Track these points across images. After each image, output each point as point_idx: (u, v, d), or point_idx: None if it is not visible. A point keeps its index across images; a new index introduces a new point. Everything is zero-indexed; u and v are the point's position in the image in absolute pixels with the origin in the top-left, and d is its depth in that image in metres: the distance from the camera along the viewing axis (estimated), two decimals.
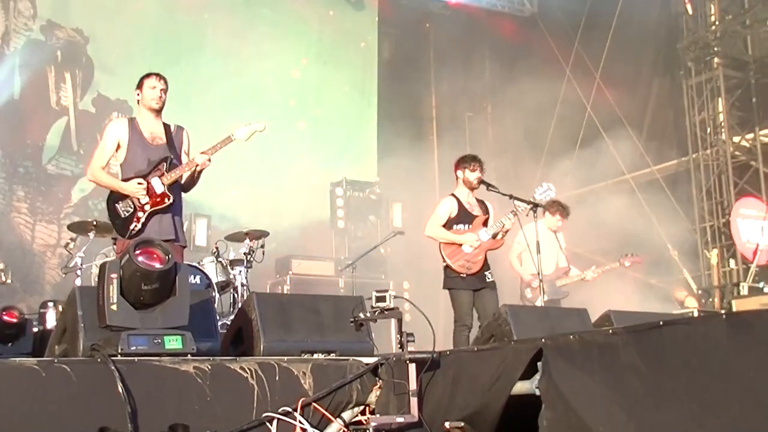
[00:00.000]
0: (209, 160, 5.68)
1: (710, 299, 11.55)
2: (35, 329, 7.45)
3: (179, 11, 12.24)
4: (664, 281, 11.57)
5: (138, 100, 5.82)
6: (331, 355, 5.10)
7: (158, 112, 5.80)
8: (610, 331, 4.05)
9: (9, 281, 8.02)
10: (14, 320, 7.14)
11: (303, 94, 13.32)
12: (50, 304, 7.70)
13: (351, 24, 13.94)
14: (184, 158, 5.87)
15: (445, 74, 14.02)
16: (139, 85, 5.79)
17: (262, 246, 8.56)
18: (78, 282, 7.55)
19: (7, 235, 10.37)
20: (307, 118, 13.22)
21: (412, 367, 4.57)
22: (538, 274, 6.88)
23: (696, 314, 7.99)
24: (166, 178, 5.63)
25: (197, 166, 5.70)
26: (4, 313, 7.14)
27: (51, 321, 7.36)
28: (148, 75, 5.80)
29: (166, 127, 5.85)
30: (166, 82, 5.80)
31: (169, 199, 5.63)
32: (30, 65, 11.12)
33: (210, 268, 8.11)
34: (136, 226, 5.55)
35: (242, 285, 8.28)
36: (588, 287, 8.64)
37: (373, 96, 13.78)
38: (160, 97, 5.74)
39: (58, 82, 11.35)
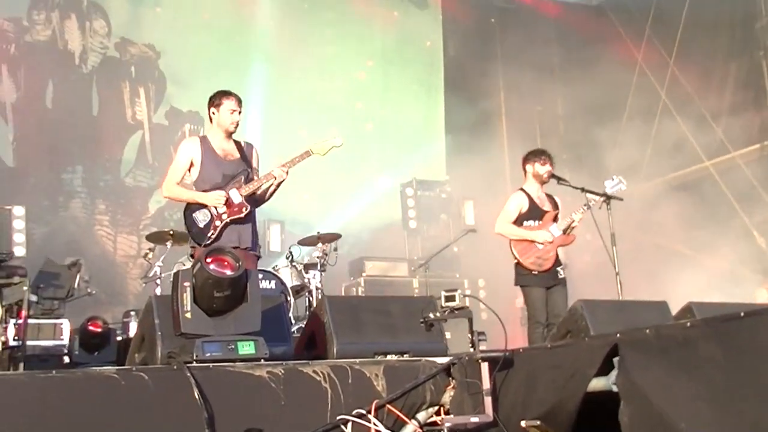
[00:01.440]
0: (287, 173, 5.80)
1: None
2: (119, 338, 7.73)
3: (245, 20, 12.47)
4: (750, 270, 11.18)
5: (212, 118, 5.92)
6: (404, 356, 5.10)
7: (230, 134, 5.93)
8: (688, 324, 3.92)
9: (94, 292, 8.28)
10: (99, 330, 7.44)
11: (369, 95, 13.42)
12: (132, 313, 7.99)
13: (415, 24, 13.96)
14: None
15: (513, 69, 13.86)
16: (217, 104, 5.88)
17: (335, 249, 8.64)
18: (158, 291, 7.79)
19: (92, 248, 10.72)
20: (374, 120, 13.29)
21: (484, 366, 4.53)
22: (615, 267, 6.74)
23: None
24: (243, 189, 5.79)
25: (275, 179, 5.82)
26: (89, 323, 7.43)
27: (133, 329, 7.60)
28: (227, 95, 5.89)
29: (237, 143, 5.99)
30: (241, 103, 5.93)
31: (246, 209, 5.78)
32: (106, 82, 11.54)
33: (285, 272, 8.23)
34: (213, 234, 5.69)
35: (317, 288, 8.36)
36: (675, 279, 8.39)
37: (440, 94, 13.77)
38: (236, 121, 5.89)
39: (132, 97, 11.73)
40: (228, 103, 5.86)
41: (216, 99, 5.91)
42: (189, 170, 5.88)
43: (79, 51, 11.40)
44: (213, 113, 5.90)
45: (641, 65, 12.58)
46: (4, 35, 10.85)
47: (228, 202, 5.73)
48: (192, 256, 5.92)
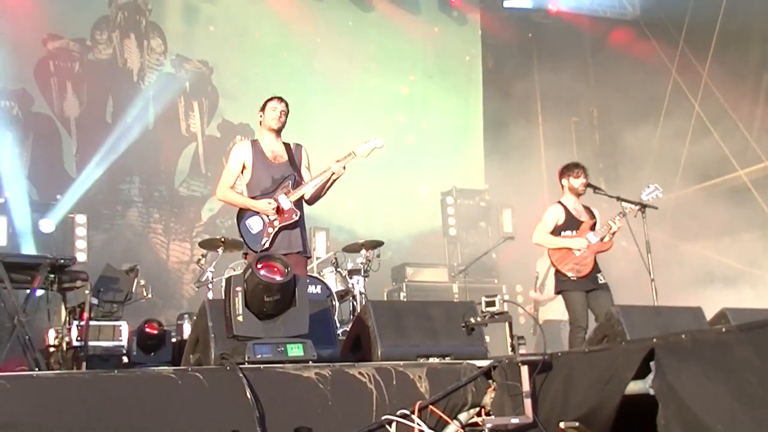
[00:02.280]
0: (344, 168, 5.97)
1: None
2: (173, 339, 7.96)
3: (293, 37, 12.80)
4: None
5: (260, 122, 6.14)
6: (446, 358, 5.20)
7: (278, 132, 6.11)
8: (723, 329, 4.00)
9: (149, 296, 8.54)
10: (155, 332, 7.65)
11: (411, 108, 13.68)
12: (186, 316, 8.22)
13: (455, 38, 14.20)
14: (305, 173, 6.17)
15: (550, 81, 13.96)
16: (262, 108, 6.14)
17: (378, 255, 8.79)
18: (209, 295, 8.00)
19: (147, 255, 11.10)
20: (415, 132, 13.52)
21: (524, 369, 4.61)
22: (650, 273, 6.80)
23: None
24: (292, 195, 5.95)
25: (333, 174, 5.97)
26: (146, 325, 7.65)
27: (187, 332, 7.83)
28: (271, 98, 6.14)
29: (286, 145, 6.16)
30: (287, 105, 6.12)
31: (296, 215, 5.94)
32: (162, 97, 11.96)
33: (330, 278, 8.40)
34: (266, 241, 5.86)
35: (360, 293, 8.51)
36: (709, 286, 8.39)
37: (479, 105, 13.95)
38: (280, 117, 6.06)
39: (187, 110, 12.13)
40: (271, 103, 6.09)
41: (263, 105, 6.16)
42: (242, 173, 6.06)
43: (138, 68, 11.89)
44: (260, 117, 6.13)
45: (675, 77, 12.58)
46: (69, 55, 11.37)
47: (278, 209, 5.89)
48: (245, 256, 6.10)
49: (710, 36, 11.98)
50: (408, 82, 13.75)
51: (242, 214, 5.98)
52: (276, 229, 5.89)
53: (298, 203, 6.02)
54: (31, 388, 3.82)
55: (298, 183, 6.02)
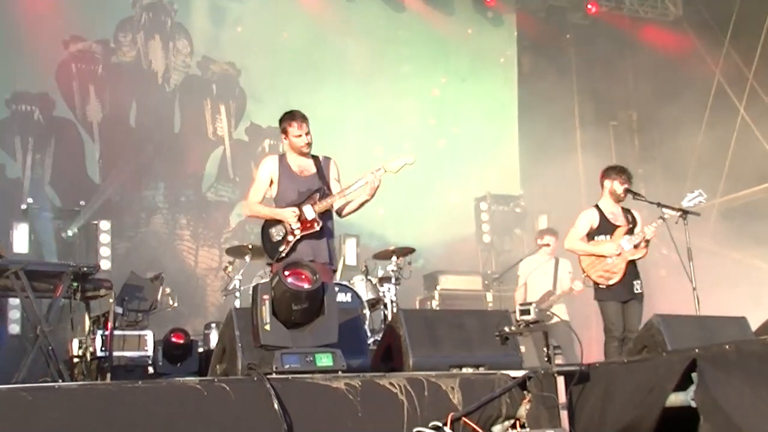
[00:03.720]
0: (380, 180, 5.89)
1: None
2: (200, 349, 7.90)
3: (323, 38, 12.67)
4: None
5: (283, 141, 6.12)
6: (479, 369, 5.10)
7: (305, 154, 6.07)
8: None
9: (176, 305, 8.51)
10: (181, 341, 7.61)
11: (443, 112, 13.49)
12: (213, 325, 8.16)
13: (489, 40, 14.00)
14: (334, 185, 6.11)
15: (588, 84, 13.78)
16: (284, 129, 6.07)
17: (410, 263, 8.69)
18: (237, 303, 7.95)
19: (172, 263, 11.02)
20: (447, 136, 13.36)
21: (560, 380, 4.52)
22: (692, 282, 6.61)
23: None
24: (317, 206, 5.90)
25: (367, 183, 5.89)
26: (172, 335, 7.61)
27: (214, 341, 7.77)
28: (289, 121, 6.03)
29: (315, 158, 6.12)
30: (307, 122, 6.03)
31: (318, 225, 5.88)
32: (188, 99, 11.91)
33: (360, 286, 8.28)
34: (285, 249, 5.84)
35: (391, 302, 8.39)
36: (754, 295, 8.15)
37: (514, 109, 13.74)
38: (308, 142, 6.02)
39: (213, 113, 12.06)
40: (293, 129, 6.01)
41: (283, 123, 6.09)
42: (269, 187, 6.06)
43: (162, 70, 11.80)
44: (284, 139, 6.10)
45: (719, 79, 12.31)
46: (92, 57, 11.30)
47: (301, 218, 5.86)
48: (271, 270, 6.05)
49: (757, 37, 11.70)
50: (440, 85, 13.58)
51: (267, 222, 6.00)
52: (296, 238, 5.86)
53: (325, 215, 5.97)
54: (53, 400, 3.78)
55: (326, 195, 5.98)
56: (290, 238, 5.85)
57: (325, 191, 6.00)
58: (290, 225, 5.86)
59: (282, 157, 6.12)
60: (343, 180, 6.18)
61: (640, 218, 7.10)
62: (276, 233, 5.91)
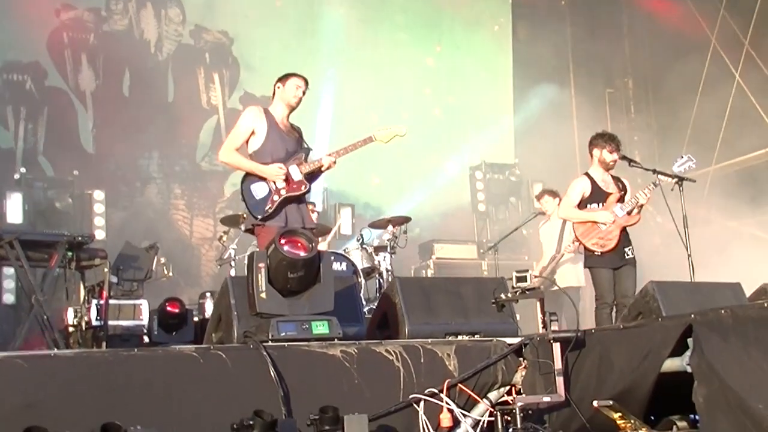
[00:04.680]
0: (335, 162, 5.79)
1: None
2: (195, 318, 7.91)
3: (318, 6, 12.61)
4: None
5: (276, 92, 5.90)
6: (475, 336, 5.11)
7: (292, 109, 5.94)
8: (766, 304, 3.85)
9: (171, 274, 8.49)
10: (177, 311, 7.60)
11: (437, 81, 13.41)
12: (208, 294, 8.14)
13: (484, 8, 13.92)
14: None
15: (583, 51, 13.68)
16: (283, 80, 5.89)
17: (405, 232, 8.64)
18: (232, 272, 7.94)
19: (168, 232, 10.99)
20: (442, 105, 13.30)
21: (556, 347, 4.54)
22: (687, 249, 6.61)
23: None
24: (304, 167, 5.74)
25: (322, 166, 5.80)
26: (167, 304, 7.60)
27: (209, 310, 7.77)
28: (296, 74, 5.92)
29: (292, 124, 5.97)
30: (308, 86, 5.92)
31: (305, 187, 5.73)
32: (181, 69, 11.83)
33: (355, 255, 8.26)
34: (270, 208, 5.60)
35: (387, 270, 8.38)
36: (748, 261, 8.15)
37: (508, 77, 13.69)
38: (300, 97, 5.87)
39: (207, 82, 11.99)
40: (295, 80, 5.86)
41: (284, 77, 5.92)
42: (247, 140, 5.80)
43: (155, 39, 11.71)
44: (278, 87, 5.88)
45: (715, 45, 12.22)
46: (84, 25, 11.19)
47: (287, 178, 5.69)
48: (250, 231, 5.84)
49: (753, 2, 11.58)
50: (434, 54, 13.51)
51: (248, 177, 5.74)
52: (282, 198, 5.64)
53: (308, 178, 5.82)
54: (50, 367, 3.80)
55: (308, 159, 5.85)
56: (275, 197, 5.62)
57: (308, 154, 5.85)
58: (275, 184, 5.66)
59: (268, 112, 5.86)
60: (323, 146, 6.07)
61: (629, 185, 7.08)
62: (259, 190, 5.66)
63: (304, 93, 5.88)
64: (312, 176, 5.86)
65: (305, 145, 5.92)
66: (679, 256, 6.83)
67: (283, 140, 5.79)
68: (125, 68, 11.37)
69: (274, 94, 5.92)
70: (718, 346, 3.85)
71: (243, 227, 6.26)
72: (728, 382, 3.72)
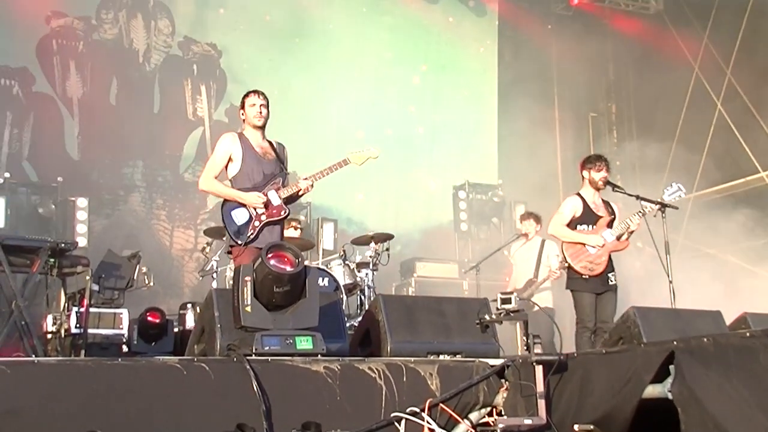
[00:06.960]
0: (312, 186, 5.83)
1: None
2: (176, 329, 7.84)
3: (305, 22, 12.63)
4: None
5: (243, 119, 5.94)
6: (457, 356, 5.12)
7: (262, 128, 5.92)
8: (747, 333, 3.89)
9: (151, 284, 8.41)
10: (157, 321, 7.53)
11: (422, 99, 13.50)
12: (189, 305, 8.07)
13: (470, 29, 14.06)
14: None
15: (568, 75, 13.84)
16: (242, 104, 5.93)
17: (387, 249, 8.64)
18: (214, 284, 7.89)
19: (149, 242, 10.97)
20: (425, 124, 13.40)
21: (539, 369, 4.56)
22: (668, 275, 6.67)
23: None
24: (282, 192, 5.79)
25: (300, 190, 5.84)
26: (148, 314, 7.54)
27: (190, 321, 7.71)
28: (249, 93, 5.94)
29: (271, 143, 5.97)
30: (266, 98, 5.90)
31: (284, 212, 5.79)
32: (168, 80, 11.84)
33: (338, 270, 8.24)
34: (252, 234, 5.65)
35: (369, 287, 8.38)
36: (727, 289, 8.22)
37: (493, 99, 13.81)
38: (261, 112, 5.83)
39: (194, 94, 12.00)
40: (250, 99, 5.87)
41: (242, 100, 5.95)
42: (226, 166, 5.84)
43: (144, 49, 11.73)
44: (242, 114, 5.92)
45: (698, 74, 12.39)
46: (73, 33, 11.19)
47: (267, 204, 5.73)
48: (229, 253, 5.89)
49: (736, 33, 11.76)
50: (420, 72, 13.60)
51: (227, 203, 5.79)
52: (262, 223, 5.71)
53: (287, 201, 5.86)
54: (32, 374, 3.76)
55: (286, 182, 5.89)
56: (256, 223, 5.68)
57: (285, 178, 5.89)
58: (255, 210, 5.71)
59: (242, 136, 5.89)
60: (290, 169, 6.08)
61: (618, 210, 7.12)
62: (240, 216, 5.71)
63: (263, 107, 5.87)
64: (290, 200, 5.91)
65: (283, 167, 5.94)
66: (660, 281, 6.89)
67: (260, 163, 5.82)
68: (113, 77, 11.40)
69: (243, 121, 5.94)
70: (699, 373, 3.87)
71: (224, 247, 6.27)
72: (709, 409, 3.74)
